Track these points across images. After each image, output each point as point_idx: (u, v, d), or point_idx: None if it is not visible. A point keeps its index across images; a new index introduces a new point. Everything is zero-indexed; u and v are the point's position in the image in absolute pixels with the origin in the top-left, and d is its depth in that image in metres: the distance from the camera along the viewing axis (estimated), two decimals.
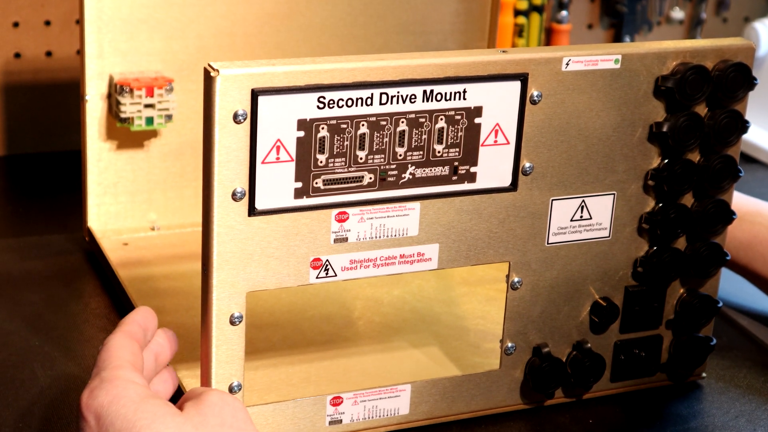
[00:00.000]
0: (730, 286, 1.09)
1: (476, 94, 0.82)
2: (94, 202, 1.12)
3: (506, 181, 0.85)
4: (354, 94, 0.79)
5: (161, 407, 0.73)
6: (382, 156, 0.81)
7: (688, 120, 0.88)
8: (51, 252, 1.14)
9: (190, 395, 0.78)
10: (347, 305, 1.03)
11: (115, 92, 1.08)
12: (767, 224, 1.05)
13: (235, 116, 0.76)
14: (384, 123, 0.80)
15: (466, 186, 0.84)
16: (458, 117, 0.82)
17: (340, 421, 0.86)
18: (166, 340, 0.84)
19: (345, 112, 0.79)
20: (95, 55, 1.09)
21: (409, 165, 0.82)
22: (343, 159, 0.80)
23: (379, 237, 0.83)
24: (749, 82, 0.89)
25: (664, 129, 0.88)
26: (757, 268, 1.05)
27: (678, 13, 1.60)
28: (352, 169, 0.81)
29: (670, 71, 0.87)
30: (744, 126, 0.90)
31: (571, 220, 0.88)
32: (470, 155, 0.83)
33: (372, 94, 0.79)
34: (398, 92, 0.80)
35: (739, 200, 1.05)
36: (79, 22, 1.09)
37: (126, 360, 0.77)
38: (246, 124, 0.77)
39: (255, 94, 0.76)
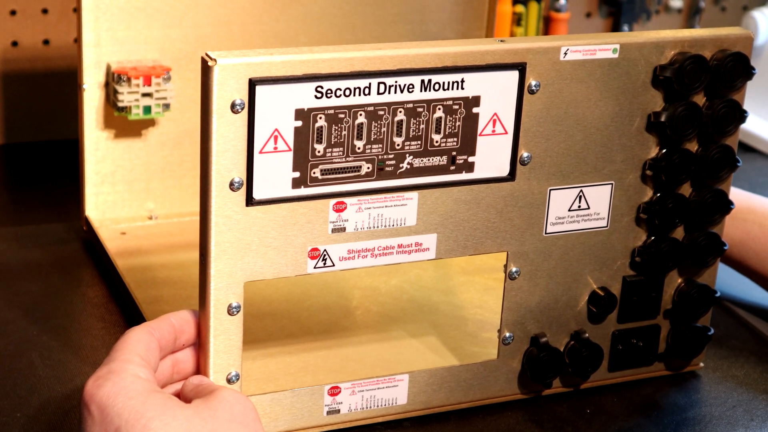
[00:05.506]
0: (728, 277, 1.09)
1: (474, 84, 0.82)
2: (92, 191, 1.12)
3: (504, 171, 0.85)
4: (352, 83, 0.79)
5: (169, 400, 0.73)
6: (380, 146, 0.81)
7: (686, 110, 0.88)
8: (48, 241, 1.14)
9: (200, 391, 0.78)
10: (345, 295, 1.03)
11: (112, 81, 1.08)
12: (759, 221, 1.05)
13: (233, 106, 0.76)
14: (382, 113, 0.80)
15: (464, 176, 0.84)
16: (456, 107, 0.82)
17: (338, 410, 0.86)
18: (192, 355, 0.82)
19: (343, 101, 0.79)
20: (93, 44, 1.09)
21: (407, 155, 0.82)
22: (341, 149, 0.80)
23: (377, 227, 0.83)
24: (747, 72, 0.89)
25: (662, 119, 0.88)
26: (751, 265, 1.05)
27: (676, 2, 1.60)
28: (350, 158, 0.80)
29: (669, 61, 0.87)
30: (742, 116, 0.90)
31: (569, 210, 0.88)
32: (468, 145, 0.83)
33: (370, 84, 0.79)
34: (396, 82, 0.80)
35: (731, 196, 1.05)
36: (77, 10, 1.08)
37: (137, 354, 0.77)
38: (243, 114, 0.76)
39: (252, 84, 0.76)
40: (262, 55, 0.76)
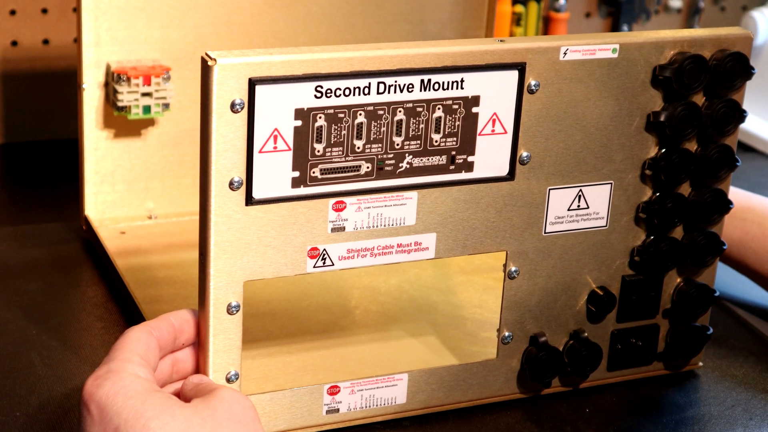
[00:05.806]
0: (727, 276, 1.09)
1: (474, 84, 0.82)
2: (91, 190, 1.12)
3: (504, 171, 0.85)
4: (351, 83, 0.79)
5: (168, 399, 0.73)
6: (380, 145, 0.81)
7: (685, 109, 0.88)
8: (48, 241, 1.14)
9: (200, 390, 0.78)
10: (344, 294, 1.03)
11: (112, 81, 1.08)
12: (758, 221, 1.05)
13: (233, 105, 0.76)
14: (381, 112, 0.80)
15: (463, 175, 0.84)
16: (456, 106, 0.82)
17: (338, 410, 0.86)
18: (191, 355, 0.82)
19: (342, 101, 0.79)
20: (92, 44, 1.09)
21: (407, 154, 0.82)
22: (341, 148, 0.80)
23: (377, 226, 0.83)
24: (747, 72, 0.89)
25: (662, 118, 0.88)
26: (750, 264, 1.05)
27: (676, 2, 1.60)
28: (350, 158, 0.81)
29: (668, 61, 0.87)
30: (741, 115, 0.90)
31: (569, 210, 0.88)
32: (468, 145, 0.83)
33: (369, 84, 0.79)
34: (396, 81, 0.80)
35: (730, 196, 1.05)
36: (76, 10, 1.08)
37: (137, 353, 0.77)
38: (243, 114, 0.77)
39: (252, 84, 0.76)
40: (262, 55, 0.76)
